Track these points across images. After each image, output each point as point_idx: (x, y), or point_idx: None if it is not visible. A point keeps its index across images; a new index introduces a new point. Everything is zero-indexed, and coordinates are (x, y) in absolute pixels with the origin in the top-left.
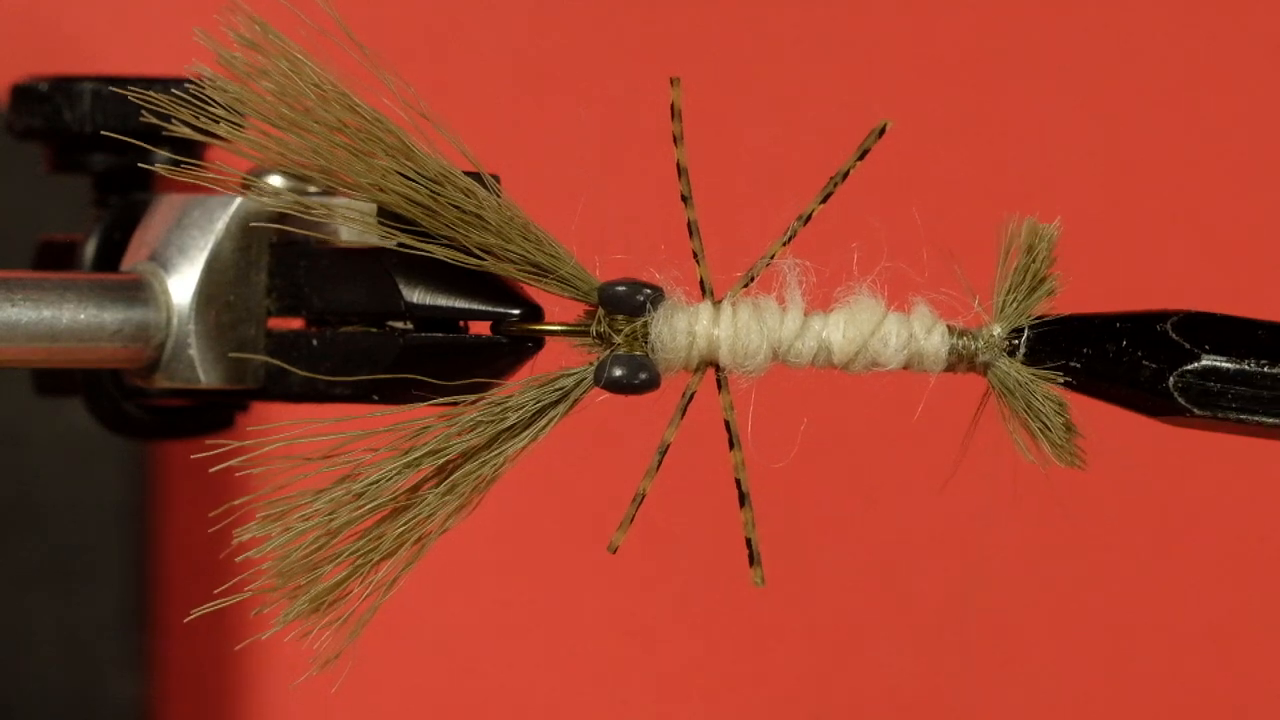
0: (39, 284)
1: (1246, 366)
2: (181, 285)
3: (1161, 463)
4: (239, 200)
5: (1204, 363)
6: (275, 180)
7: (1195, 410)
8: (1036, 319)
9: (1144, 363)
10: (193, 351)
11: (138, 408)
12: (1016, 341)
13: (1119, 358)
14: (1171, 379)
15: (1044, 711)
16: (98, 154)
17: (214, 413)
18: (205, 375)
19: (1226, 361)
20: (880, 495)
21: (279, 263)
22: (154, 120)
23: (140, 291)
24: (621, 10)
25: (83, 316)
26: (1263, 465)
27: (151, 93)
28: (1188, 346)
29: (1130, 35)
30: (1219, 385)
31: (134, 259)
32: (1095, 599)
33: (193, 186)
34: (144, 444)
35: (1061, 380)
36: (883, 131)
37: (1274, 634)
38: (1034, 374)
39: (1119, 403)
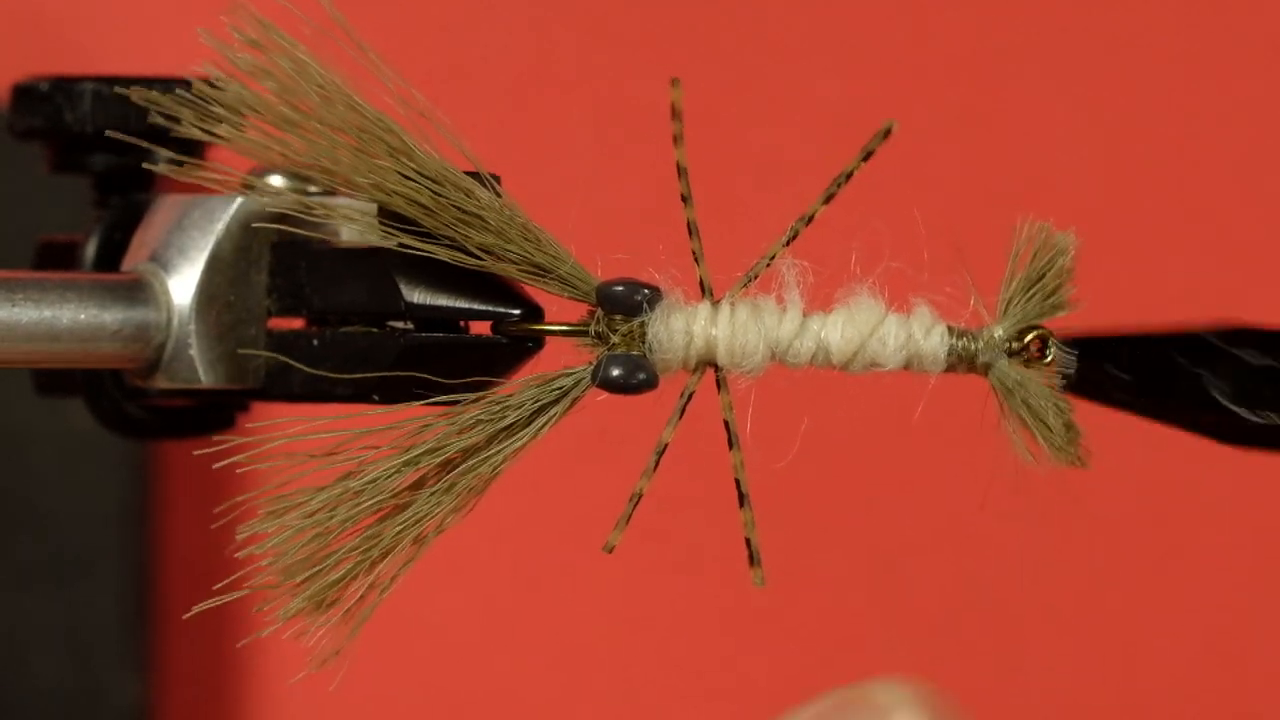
0: (39, 284)
1: None
2: (182, 285)
3: (1161, 462)
4: (239, 200)
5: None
6: (276, 180)
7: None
8: (1066, 340)
9: (1198, 374)
10: (193, 351)
11: (138, 408)
12: (1018, 344)
13: (1173, 376)
14: (1232, 390)
15: (1044, 711)
16: (98, 154)
17: (214, 413)
18: (206, 375)
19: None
20: (880, 495)
21: (279, 262)
22: (158, 121)
23: (141, 292)
24: (622, 9)
25: (83, 317)
26: (1263, 465)
27: (153, 93)
28: (1239, 354)
29: (1133, 33)
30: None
31: (134, 259)
32: (1095, 597)
33: (193, 186)
34: (144, 444)
35: (1061, 381)
36: (888, 133)
37: (1275, 633)
38: (1034, 376)
39: (1181, 423)
